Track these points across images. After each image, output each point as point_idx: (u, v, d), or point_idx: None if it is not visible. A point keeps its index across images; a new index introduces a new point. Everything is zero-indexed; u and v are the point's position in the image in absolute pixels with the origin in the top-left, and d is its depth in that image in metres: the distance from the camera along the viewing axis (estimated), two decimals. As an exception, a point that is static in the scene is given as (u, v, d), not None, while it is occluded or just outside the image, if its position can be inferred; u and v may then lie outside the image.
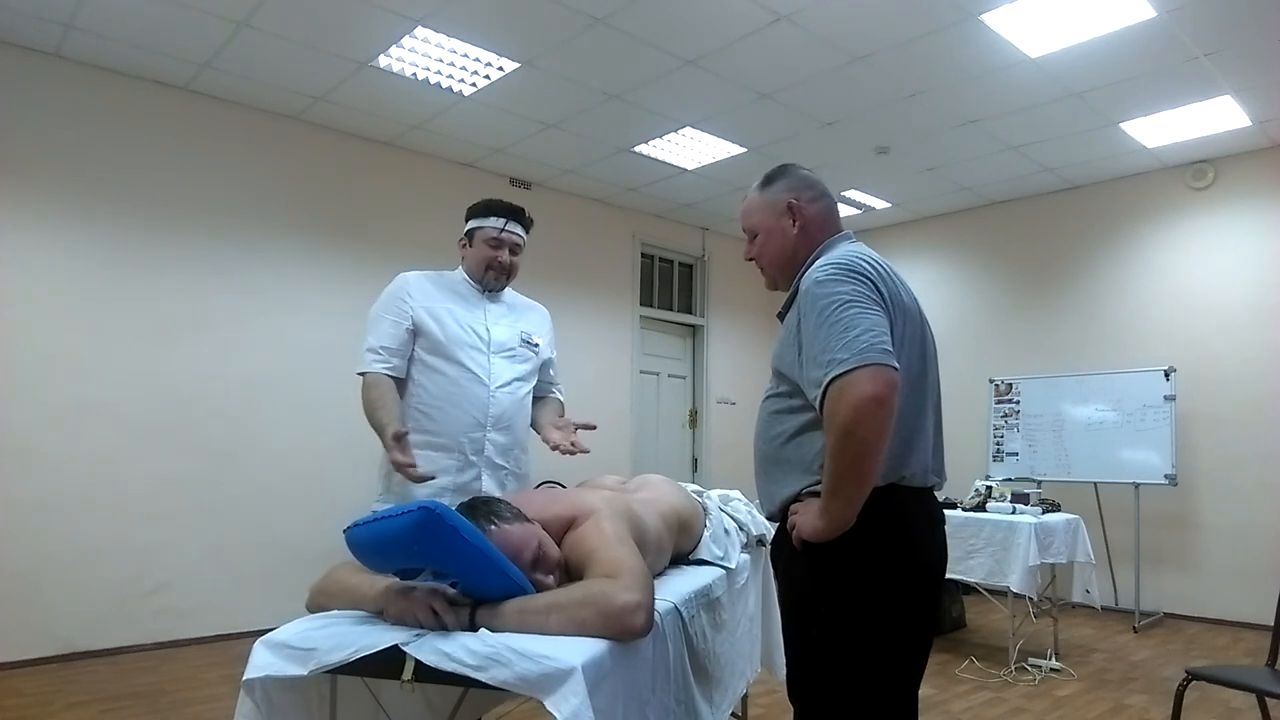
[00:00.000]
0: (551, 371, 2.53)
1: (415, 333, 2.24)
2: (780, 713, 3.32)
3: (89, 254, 4.23)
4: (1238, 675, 2.52)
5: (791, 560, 1.58)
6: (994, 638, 4.76)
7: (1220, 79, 4.37)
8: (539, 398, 2.47)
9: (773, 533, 1.84)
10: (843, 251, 1.60)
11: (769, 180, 1.74)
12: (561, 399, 2.55)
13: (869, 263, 1.54)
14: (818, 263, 1.59)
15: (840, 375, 1.38)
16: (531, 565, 1.40)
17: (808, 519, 1.49)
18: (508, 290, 2.44)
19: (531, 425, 2.44)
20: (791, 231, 1.68)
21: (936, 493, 1.64)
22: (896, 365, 1.40)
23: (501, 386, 2.27)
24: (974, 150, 5.45)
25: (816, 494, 1.50)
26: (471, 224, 2.36)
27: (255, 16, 3.81)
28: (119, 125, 4.35)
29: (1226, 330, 5.37)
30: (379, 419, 2.12)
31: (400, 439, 2.03)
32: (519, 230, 2.37)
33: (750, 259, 1.77)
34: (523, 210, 2.38)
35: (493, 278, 2.35)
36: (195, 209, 4.57)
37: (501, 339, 2.32)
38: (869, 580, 1.49)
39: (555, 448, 2.25)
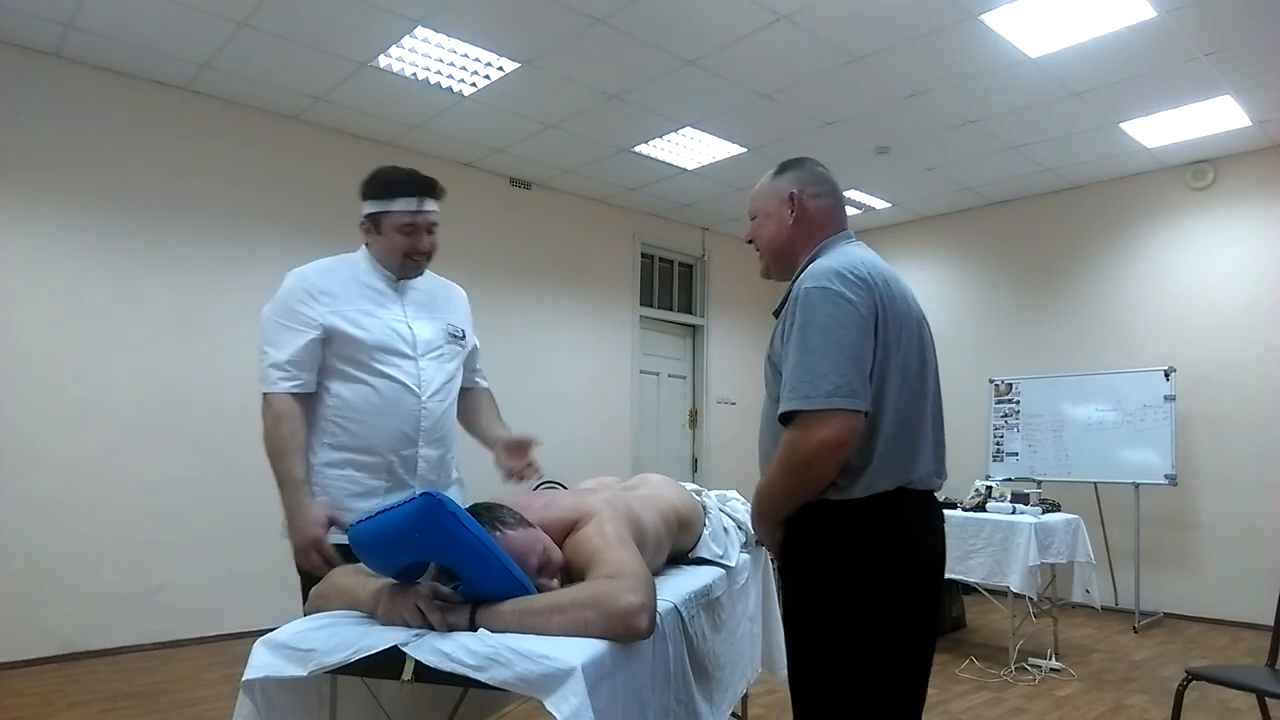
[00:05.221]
0: (476, 360, 2.25)
1: (327, 341, 1.91)
2: (780, 713, 3.32)
3: (89, 254, 4.23)
4: (1238, 675, 2.52)
5: (796, 560, 1.59)
6: (994, 638, 4.76)
7: (1220, 79, 4.37)
8: (465, 389, 2.18)
9: None
10: (840, 256, 1.59)
11: (782, 169, 1.76)
12: (488, 386, 2.29)
13: (865, 270, 1.54)
14: (815, 267, 1.58)
15: (808, 412, 1.44)
16: (536, 570, 1.40)
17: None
18: (423, 276, 2.11)
19: (465, 423, 2.18)
20: (788, 221, 1.70)
21: (936, 494, 1.65)
22: (864, 409, 1.46)
23: (434, 395, 1.98)
24: (974, 150, 5.44)
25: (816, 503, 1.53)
26: (373, 207, 1.97)
27: (255, 16, 3.81)
28: (119, 125, 4.35)
29: (1226, 330, 5.37)
30: (287, 468, 1.83)
31: (330, 527, 1.81)
32: (434, 206, 2.00)
33: (749, 240, 1.80)
34: (434, 182, 2.01)
35: (412, 267, 2.02)
36: (195, 209, 4.57)
37: (427, 337, 2.01)
38: (873, 581, 1.50)
39: (509, 476, 2.01)
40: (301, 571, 1.90)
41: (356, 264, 2.04)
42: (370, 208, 1.99)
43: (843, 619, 1.49)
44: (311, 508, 1.83)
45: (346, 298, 1.95)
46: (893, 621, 1.50)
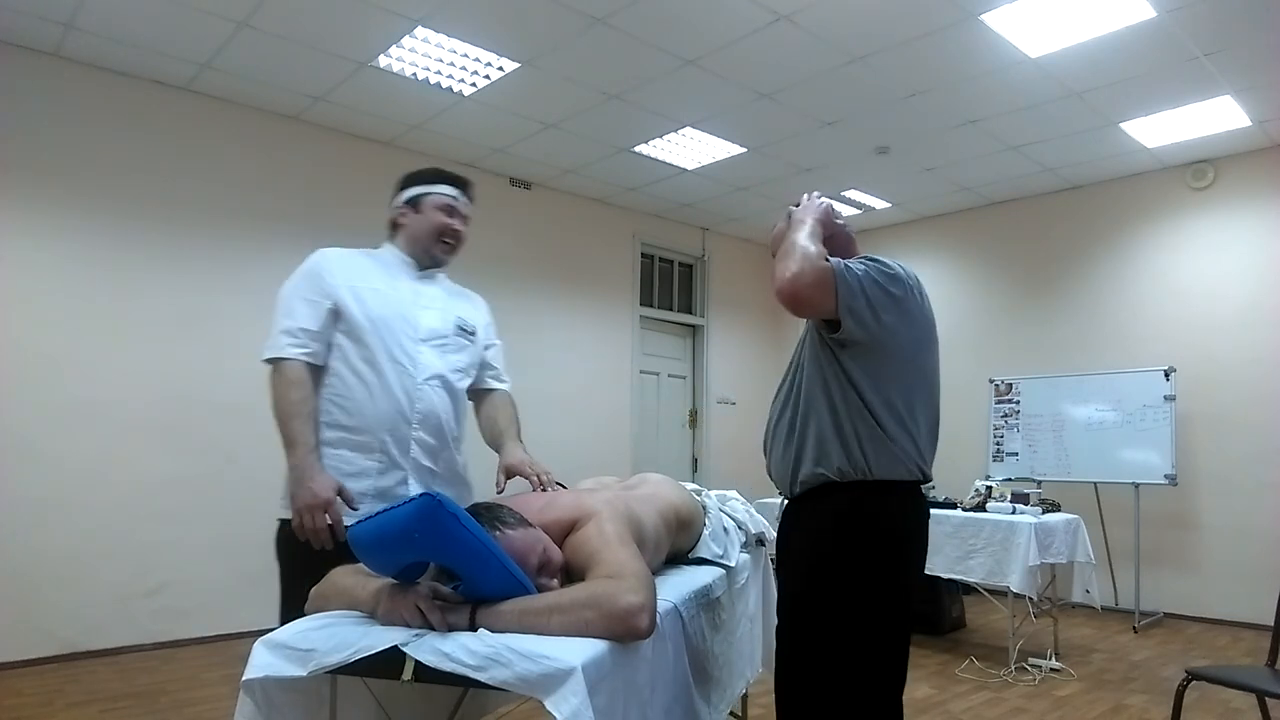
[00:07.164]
0: (493, 360, 2.24)
1: (337, 315, 1.93)
2: (780, 713, 3.31)
3: (89, 254, 4.23)
4: (1238, 675, 2.52)
5: (819, 540, 1.77)
6: (994, 638, 4.76)
7: (1220, 79, 4.37)
8: (482, 391, 2.20)
9: (772, 532, 1.90)
10: (891, 262, 1.82)
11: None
12: (506, 388, 2.26)
13: (912, 274, 1.83)
14: (878, 257, 1.83)
15: (834, 271, 1.72)
16: (536, 570, 1.40)
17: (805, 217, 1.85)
18: (441, 275, 2.17)
19: (482, 429, 2.18)
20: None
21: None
22: (839, 318, 1.71)
23: (428, 379, 1.98)
24: (974, 150, 5.44)
25: (833, 487, 1.74)
26: (416, 190, 2.08)
27: (255, 16, 3.81)
28: (119, 125, 4.35)
29: (1226, 330, 5.37)
30: (298, 431, 1.82)
31: (337, 499, 1.79)
32: (469, 203, 2.13)
33: None
34: (471, 183, 2.16)
35: (444, 249, 2.08)
36: (195, 209, 4.57)
37: (432, 325, 2.03)
38: (894, 556, 1.74)
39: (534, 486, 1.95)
40: (281, 561, 1.89)
41: (380, 254, 2.10)
42: (412, 192, 2.09)
43: (863, 592, 1.70)
44: (324, 471, 1.83)
45: (363, 276, 1.99)
46: (900, 593, 1.74)
